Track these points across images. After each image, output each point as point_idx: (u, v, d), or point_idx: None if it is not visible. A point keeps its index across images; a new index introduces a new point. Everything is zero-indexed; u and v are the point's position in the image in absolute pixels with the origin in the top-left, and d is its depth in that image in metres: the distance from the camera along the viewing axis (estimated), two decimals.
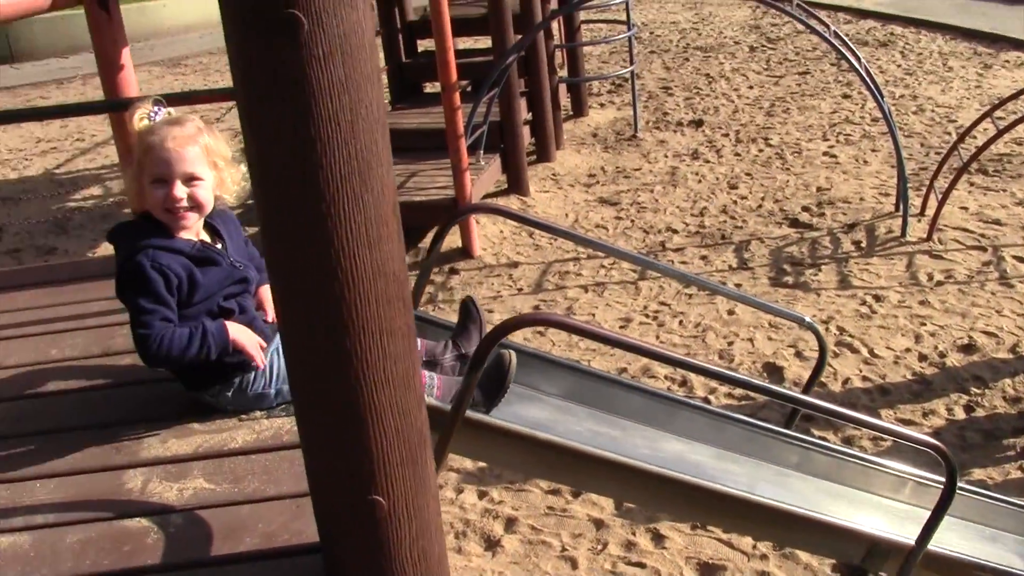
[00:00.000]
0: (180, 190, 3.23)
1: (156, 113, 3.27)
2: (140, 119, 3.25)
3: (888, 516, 3.68)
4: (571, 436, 3.11)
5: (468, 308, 3.55)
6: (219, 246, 3.43)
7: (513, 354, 3.14)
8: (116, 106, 5.07)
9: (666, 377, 6.70)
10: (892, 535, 3.23)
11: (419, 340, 3.11)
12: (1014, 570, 3.56)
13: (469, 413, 2.70)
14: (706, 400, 6.35)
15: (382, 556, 2.20)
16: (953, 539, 3.65)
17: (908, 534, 3.23)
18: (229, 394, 3.29)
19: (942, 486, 3.15)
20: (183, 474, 2.97)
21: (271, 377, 3.32)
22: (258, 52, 1.90)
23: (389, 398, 2.09)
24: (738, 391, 6.51)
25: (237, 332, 3.27)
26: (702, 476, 3.14)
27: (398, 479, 2.15)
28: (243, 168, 3.43)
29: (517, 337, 7.33)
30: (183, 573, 2.55)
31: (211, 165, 3.31)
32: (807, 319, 3.90)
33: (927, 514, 3.16)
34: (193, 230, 3.35)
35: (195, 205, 3.28)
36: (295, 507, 2.70)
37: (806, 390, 3.99)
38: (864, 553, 3.24)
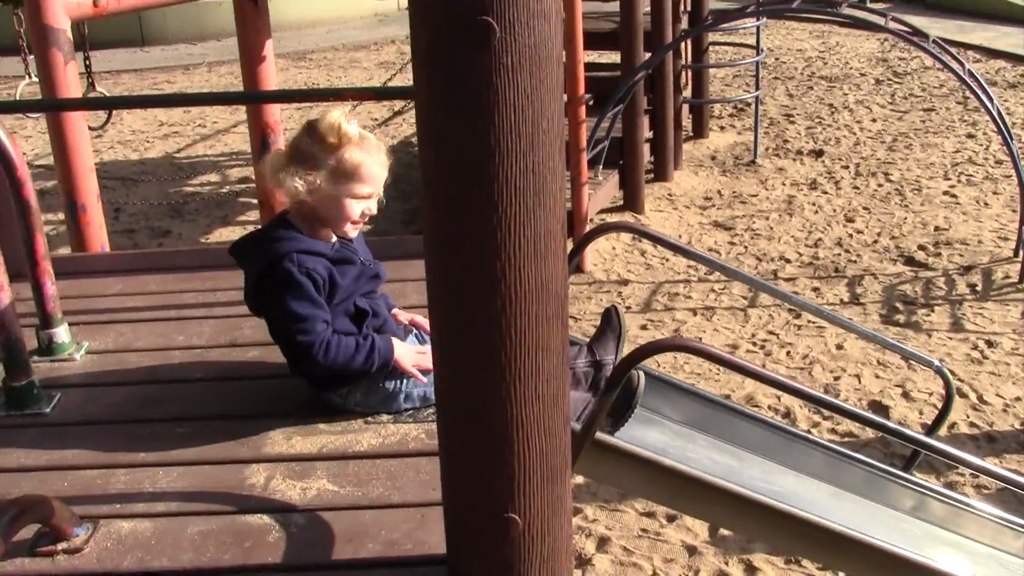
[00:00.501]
0: (373, 206, 3.39)
1: (353, 124, 3.33)
2: (347, 130, 3.29)
3: (1002, 570, 3.61)
4: (689, 463, 3.10)
5: (610, 315, 3.55)
6: (353, 245, 3.48)
7: (642, 375, 3.14)
8: (273, 97, 5.14)
9: (769, 407, 6.65)
10: None
11: None
12: None
13: (599, 435, 2.70)
14: (850, 435, 6.29)
15: (510, 574, 2.19)
16: None
17: None
18: (357, 395, 3.32)
19: None
20: (306, 473, 2.98)
21: (402, 380, 3.34)
22: (446, 56, 1.90)
23: (537, 416, 2.08)
24: (841, 427, 6.45)
25: (401, 351, 3.33)
26: (816, 512, 3.11)
27: (536, 499, 2.14)
28: None
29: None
30: (304, 574, 2.56)
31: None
32: (936, 363, 3.84)
33: None
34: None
35: (369, 217, 3.45)
36: (420, 516, 2.70)
37: (930, 432, 3.94)
38: None
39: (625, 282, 8.89)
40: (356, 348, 3.24)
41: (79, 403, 3.54)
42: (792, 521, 3.02)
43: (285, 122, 14.30)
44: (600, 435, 2.73)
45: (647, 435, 3.41)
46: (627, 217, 10.40)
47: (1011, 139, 9.01)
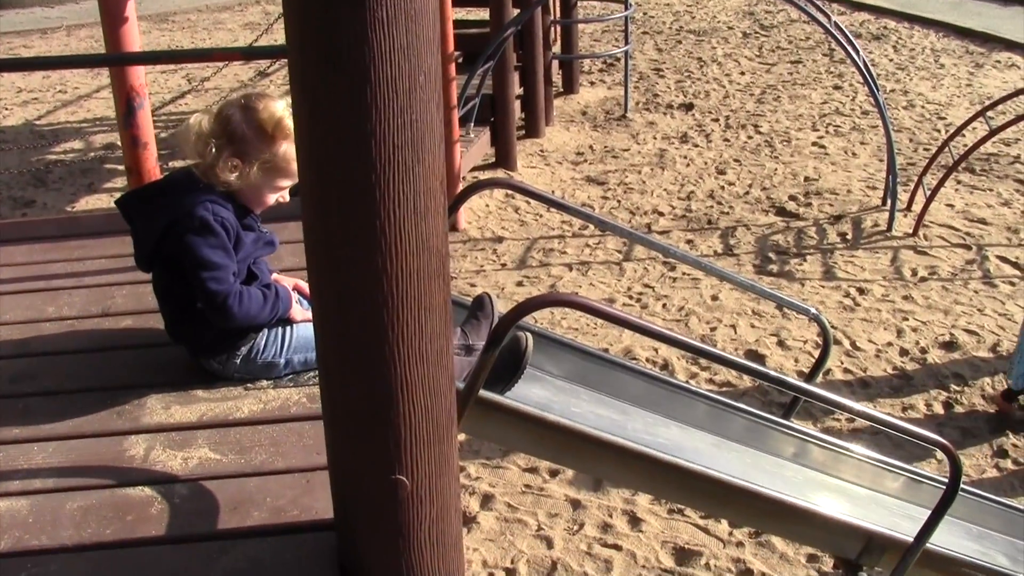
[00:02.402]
0: (288, 194, 3.44)
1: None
2: (284, 120, 3.25)
3: (883, 511, 3.68)
4: (574, 418, 3.09)
5: (483, 301, 3.53)
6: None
7: (530, 336, 3.13)
8: (138, 59, 5.00)
9: (648, 360, 6.70)
10: (890, 531, 3.22)
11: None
12: (1002, 569, 3.58)
13: (483, 393, 2.68)
14: (727, 385, 6.36)
15: (400, 537, 2.17)
16: (943, 536, 3.65)
17: (902, 530, 3.23)
18: (238, 361, 3.26)
19: (938, 484, 3.15)
20: (187, 442, 2.92)
21: (281, 346, 3.30)
22: (319, 11, 1.85)
23: (422, 376, 2.06)
24: (719, 377, 6.52)
25: (294, 304, 3.36)
26: (700, 463, 3.13)
27: (423, 459, 2.12)
28: None
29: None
30: (190, 546, 2.50)
31: None
32: (813, 310, 3.89)
33: (919, 510, 3.17)
34: None
35: None
36: (305, 482, 2.66)
37: (809, 379, 3.99)
38: (861, 548, 3.23)
39: (500, 239, 8.87)
40: (264, 298, 3.24)
41: None
42: (676, 472, 3.03)
43: (151, 86, 14.04)
44: (484, 393, 2.70)
45: (530, 392, 3.39)
46: (500, 174, 10.38)
47: (877, 90, 9.16)
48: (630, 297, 7.74)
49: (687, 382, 6.31)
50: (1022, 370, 6.24)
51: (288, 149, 3.24)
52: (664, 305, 7.58)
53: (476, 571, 4.95)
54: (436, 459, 2.14)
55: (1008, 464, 5.80)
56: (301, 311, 3.38)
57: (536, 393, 3.44)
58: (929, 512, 3.11)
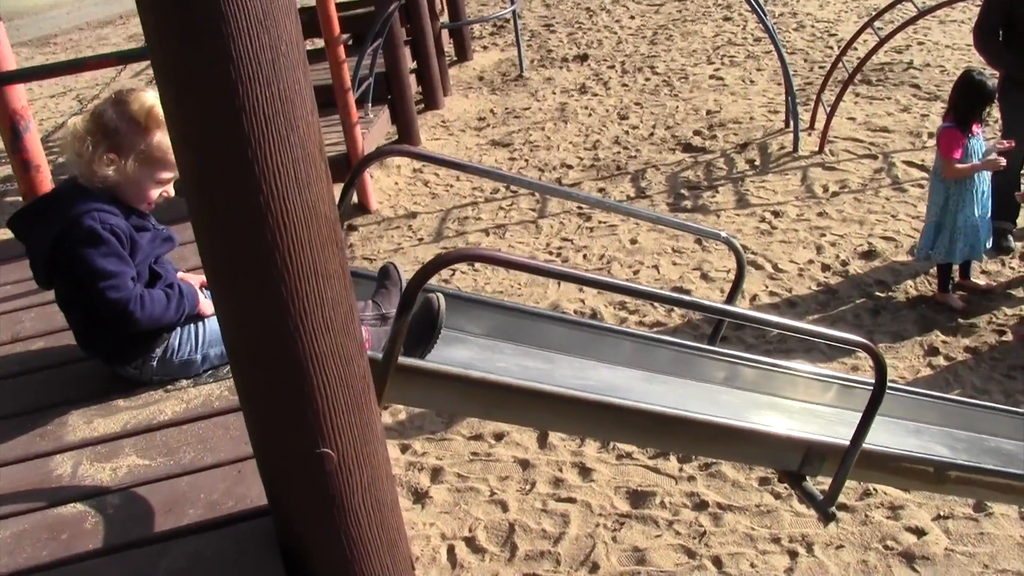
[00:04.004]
0: (172, 188, 3.35)
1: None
2: (157, 113, 3.19)
3: (819, 420, 3.70)
4: (501, 373, 3.08)
5: (388, 270, 3.50)
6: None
7: (442, 297, 3.11)
8: (11, 78, 4.90)
9: (576, 311, 6.71)
10: (826, 438, 3.24)
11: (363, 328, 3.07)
12: (942, 459, 3.62)
13: (402, 360, 2.65)
14: (658, 325, 6.38)
15: (335, 509, 2.15)
16: (881, 436, 3.69)
17: (840, 436, 3.25)
18: (154, 364, 3.22)
19: (868, 386, 3.17)
20: (114, 453, 2.87)
21: (196, 342, 3.26)
22: None
23: (330, 344, 2.03)
24: (648, 318, 6.55)
25: (202, 298, 3.31)
26: (633, 399, 3.13)
27: (345, 428, 2.10)
28: None
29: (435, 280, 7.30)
30: (128, 553, 2.46)
31: None
32: (723, 234, 3.89)
33: (854, 415, 3.18)
34: None
35: None
36: (236, 472, 2.63)
37: (728, 301, 4.00)
38: (801, 459, 3.25)
39: (413, 215, 8.84)
40: (168, 298, 3.19)
41: None
42: (610, 411, 3.02)
43: (41, 112, 13.81)
44: (403, 360, 2.68)
45: (453, 353, 3.37)
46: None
47: (765, 15, 9.21)
48: (550, 252, 7.75)
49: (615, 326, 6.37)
50: (926, 242, 6.37)
51: (163, 139, 3.19)
52: (584, 256, 7.60)
53: (436, 545, 4.95)
54: (359, 427, 2.12)
55: (940, 360, 5.89)
56: (210, 305, 3.33)
57: (459, 354, 3.42)
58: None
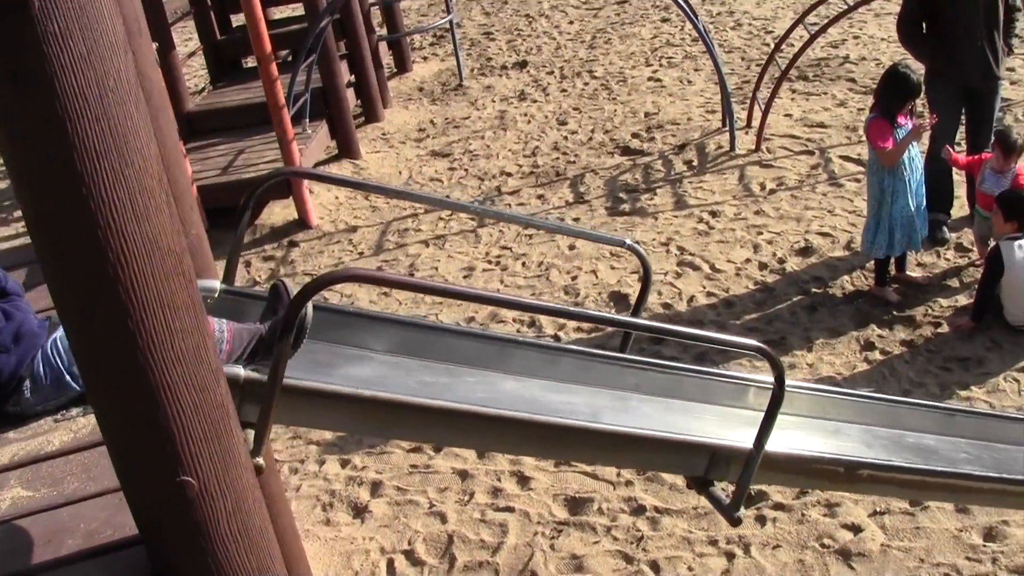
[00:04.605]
0: None
1: None
2: None
3: (733, 424, 3.68)
4: (400, 389, 3.06)
5: (278, 290, 3.45)
6: None
7: (310, 305, 3.08)
8: None
9: (514, 320, 6.70)
10: (728, 441, 3.24)
11: (225, 323, 3.01)
12: (858, 459, 3.61)
13: (288, 380, 2.63)
14: (556, 336, 6.37)
15: (200, 536, 2.15)
16: (797, 437, 3.69)
17: (750, 440, 3.24)
18: (29, 396, 3.18)
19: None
20: None
21: (58, 361, 3.20)
22: None
23: (182, 374, 2.03)
24: (587, 325, 6.54)
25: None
26: (538, 411, 3.11)
27: (204, 456, 2.09)
28: None
29: (364, 299, 7.25)
30: None
31: None
32: (628, 241, 3.88)
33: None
34: None
35: None
36: (116, 501, 2.61)
37: (635, 311, 3.99)
38: (707, 463, 3.24)
39: (354, 228, 8.82)
40: None
41: None
42: (506, 424, 3.01)
43: None
44: (290, 380, 2.66)
45: (357, 371, 3.35)
46: (344, 164, 10.30)
47: (696, 17, 9.22)
48: (489, 261, 7.74)
49: (556, 334, 6.36)
50: (868, 237, 6.40)
51: None
52: (523, 263, 7.60)
53: (375, 559, 4.95)
54: (219, 454, 2.11)
55: (876, 355, 5.92)
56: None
57: (365, 372, 3.39)
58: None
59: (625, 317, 3.17)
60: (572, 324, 6.55)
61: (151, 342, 1.97)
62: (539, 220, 3.92)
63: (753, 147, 8.90)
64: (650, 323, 3.12)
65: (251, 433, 2.61)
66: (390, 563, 4.91)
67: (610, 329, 6.35)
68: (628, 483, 5.13)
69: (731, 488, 3.23)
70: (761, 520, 4.81)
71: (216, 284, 3.35)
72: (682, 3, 9.13)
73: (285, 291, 3.34)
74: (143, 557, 2.35)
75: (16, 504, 2.76)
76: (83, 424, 3.08)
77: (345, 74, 10.68)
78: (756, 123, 9.17)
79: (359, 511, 5.29)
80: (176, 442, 2.05)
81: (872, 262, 6.60)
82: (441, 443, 5.06)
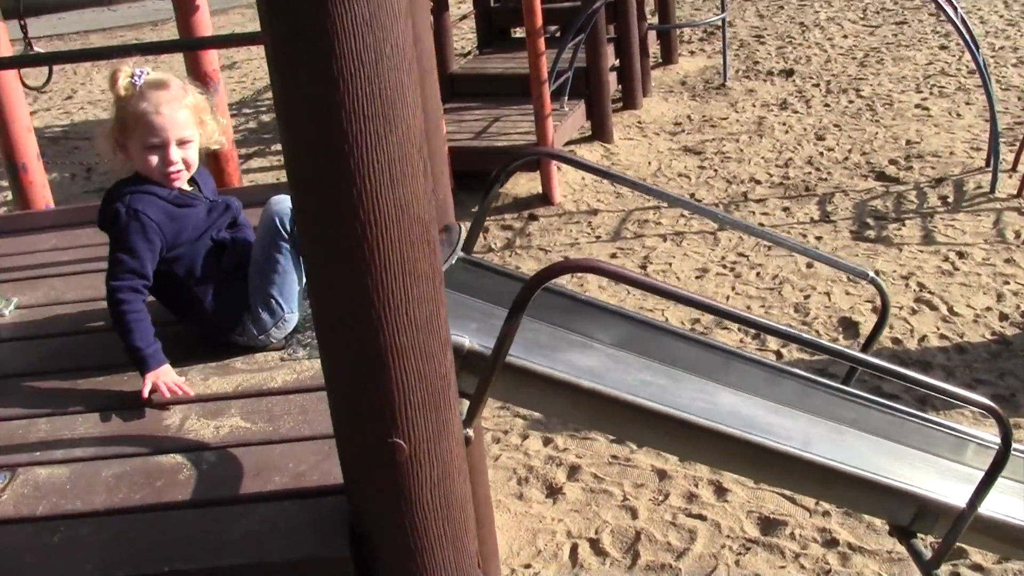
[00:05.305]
0: (176, 154, 3.26)
1: (140, 76, 3.23)
2: (125, 83, 3.22)
3: (947, 478, 3.57)
4: (620, 385, 3.06)
5: (449, 228, 3.52)
6: (193, 191, 3.43)
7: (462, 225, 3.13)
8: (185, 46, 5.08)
9: (740, 328, 6.63)
10: (940, 496, 3.15)
11: None
12: None
13: (510, 359, 2.67)
14: (778, 354, 6.29)
15: (403, 499, 2.19)
16: (1012, 504, 3.56)
17: (961, 495, 3.15)
18: (251, 326, 3.28)
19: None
20: (220, 412, 2.97)
21: (281, 298, 3.28)
22: None
23: (412, 341, 2.07)
24: (771, 344, 6.44)
25: (163, 372, 3.10)
26: (754, 431, 3.08)
27: (419, 423, 2.13)
28: (220, 118, 3.51)
29: (592, 286, 7.28)
30: (211, 510, 2.55)
31: (198, 124, 3.33)
32: (870, 273, 3.78)
33: (980, 475, 3.08)
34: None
35: (187, 166, 3.32)
36: (327, 448, 2.68)
37: (866, 347, 3.89)
38: (913, 514, 3.17)
39: (595, 211, 8.86)
40: (125, 328, 3.12)
41: (8, 358, 3.52)
42: (723, 439, 3.00)
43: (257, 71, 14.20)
44: (511, 359, 2.69)
45: (579, 360, 3.37)
46: (595, 147, 10.34)
47: (976, 49, 8.93)
48: (724, 266, 7.68)
49: (778, 350, 6.29)
50: None
51: (134, 104, 3.19)
52: (758, 274, 7.51)
53: (560, 541, 4.99)
54: (434, 423, 2.14)
55: None
56: (170, 376, 3.13)
57: (586, 361, 3.41)
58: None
59: (857, 353, 3.09)
60: (754, 343, 6.46)
61: (387, 305, 2.01)
62: (780, 236, 3.86)
63: (1015, 192, 8.57)
64: (884, 364, 3.03)
65: (465, 404, 2.66)
66: (574, 548, 4.94)
67: (795, 357, 6.23)
68: (825, 514, 5.03)
69: (931, 539, 3.15)
70: None
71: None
72: (964, 33, 8.85)
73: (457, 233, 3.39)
74: (344, 508, 2.41)
75: (234, 432, 2.87)
76: (307, 367, 3.17)
77: (610, 58, 10.71)
78: (1022, 167, 8.83)
79: (553, 491, 5.32)
80: (395, 406, 2.10)
81: None
82: (649, 445, 5.03)
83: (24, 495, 2.69)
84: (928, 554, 3.14)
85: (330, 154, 1.94)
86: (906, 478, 3.33)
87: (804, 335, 2.94)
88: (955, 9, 8.98)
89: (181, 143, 3.27)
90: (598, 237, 8.36)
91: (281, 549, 2.37)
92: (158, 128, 3.20)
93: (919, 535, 3.22)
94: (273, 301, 3.27)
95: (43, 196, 5.49)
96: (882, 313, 3.80)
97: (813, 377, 3.75)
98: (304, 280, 3.27)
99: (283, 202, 3.28)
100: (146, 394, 3.05)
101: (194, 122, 3.30)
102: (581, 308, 3.57)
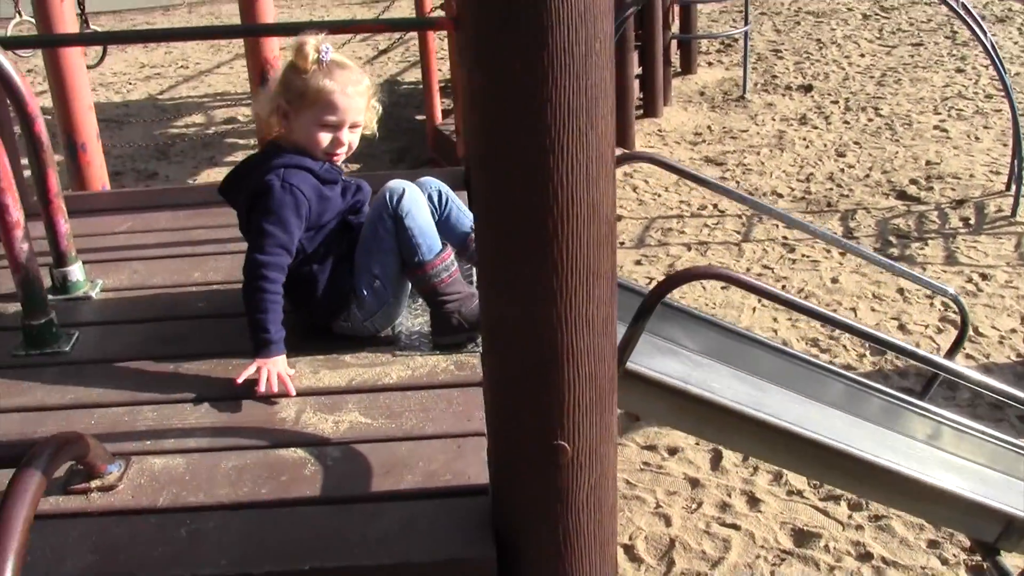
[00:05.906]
0: (346, 136, 3.31)
1: (327, 52, 3.25)
2: (313, 56, 3.23)
3: (1019, 496, 3.63)
4: (713, 391, 3.10)
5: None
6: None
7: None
8: (277, 30, 5.06)
9: (807, 342, 6.67)
10: None
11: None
12: None
13: (630, 364, 2.69)
14: (848, 367, 6.31)
15: (559, 503, 2.18)
16: None
17: None
18: (357, 311, 3.29)
19: None
20: (337, 407, 2.95)
21: (385, 282, 3.30)
22: None
23: (588, 342, 2.05)
24: (839, 359, 6.47)
25: (275, 360, 3.13)
26: (848, 445, 3.12)
27: (585, 426, 2.12)
28: (377, 106, 3.51)
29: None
30: (343, 507, 2.53)
31: (368, 109, 3.38)
32: (951, 290, 3.84)
33: None
34: None
35: (349, 148, 3.37)
36: (456, 447, 2.68)
37: (948, 359, 3.95)
38: (1000, 531, 3.21)
39: (618, 218, 8.86)
40: (260, 306, 3.14)
41: (98, 341, 3.50)
42: (817, 448, 3.04)
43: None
44: (632, 365, 2.72)
45: (667, 365, 3.40)
46: (616, 152, 10.36)
47: (1004, 72, 8.98)
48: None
49: (848, 364, 6.30)
50: None
51: (321, 80, 3.21)
52: (783, 287, 7.54)
53: None
54: (598, 426, 2.14)
55: None
56: (282, 366, 3.16)
57: (673, 366, 3.44)
58: None
59: (948, 362, 3.13)
60: (870, 358, 6.48)
61: (569, 304, 2.01)
62: (865, 250, 3.89)
63: None
64: (978, 375, 3.08)
65: None
66: None
67: (865, 369, 6.28)
68: (859, 527, 5.06)
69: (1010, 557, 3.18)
70: None
71: None
72: (993, 55, 8.90)
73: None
74: (485, 508, 2.40)
75: (355, 428, 2.85)
76: (420, 363, 3.16)
77: (634, 66, 10.74)
78: None
79: None
80: (564, 406, 2.09)
81: None
82: (744, 452, 5.03)
83: (141, 485, 2.67)
84: (1013, 573, 3.17)
85: (530, 149, 1.92)
86: (990, 496, 3.37)
87: (928, 354, 2.97)
88: (984, 32, 9.03)
89: (353, 126, 3.32)
90: (622, 243, 8.37)
91: (425, 549, 2.35)
92: (340, 108, 3.24)
93: (1002, 552, 3.25)
94: (377, 282, 3.29)
95: (100, 177, 5.47)
96: (962, 329, 3.85)
97: (893, 392, 3.80)
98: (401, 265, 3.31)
99: (398, 183, 3.31)
100: (241, 379, 3.06)
101: (366, 109, 3.36)
102: (668, 313, 3.60)
